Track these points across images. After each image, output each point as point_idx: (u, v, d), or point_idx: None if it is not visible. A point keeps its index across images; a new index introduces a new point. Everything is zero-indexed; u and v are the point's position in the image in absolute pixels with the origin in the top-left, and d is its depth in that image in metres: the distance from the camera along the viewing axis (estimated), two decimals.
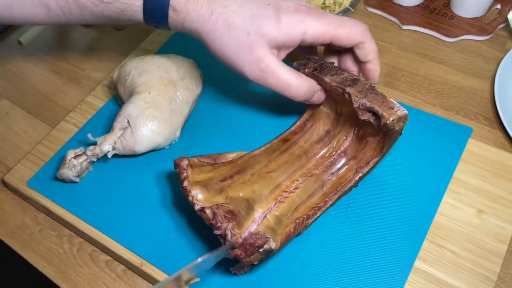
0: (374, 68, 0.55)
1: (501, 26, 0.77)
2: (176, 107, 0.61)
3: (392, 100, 0.50)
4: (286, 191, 0.54)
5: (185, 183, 0.50)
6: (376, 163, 0.55)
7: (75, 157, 0.58)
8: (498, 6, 0.79)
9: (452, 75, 0.72)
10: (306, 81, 0.54)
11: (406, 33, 0.79)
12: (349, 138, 0.57)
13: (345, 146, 0.57)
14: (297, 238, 0.53)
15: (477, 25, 0.77)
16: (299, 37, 0.51)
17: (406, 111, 0.49)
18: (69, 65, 0.80)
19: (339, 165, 0.57)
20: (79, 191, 0.60)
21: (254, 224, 0.50)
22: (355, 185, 0.55)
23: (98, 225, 0.57)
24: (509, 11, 0.76)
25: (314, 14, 0.51)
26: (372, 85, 0.51)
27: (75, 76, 0.78)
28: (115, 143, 0.58)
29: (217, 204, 0.49)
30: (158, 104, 0.59)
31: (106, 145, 0.58)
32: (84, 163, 0.59)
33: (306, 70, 0.55)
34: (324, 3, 0.72)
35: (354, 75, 0.54)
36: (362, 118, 0.51)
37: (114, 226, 0.57)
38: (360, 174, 0.54)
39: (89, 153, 0.58)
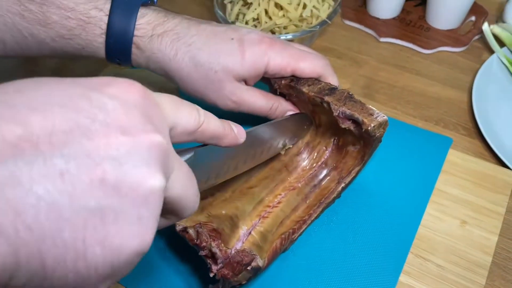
0: None
1: (476, 37, 0.78)
2: None
3: (371, 107, 0.50)
4: (269, 206, 0.53)
5: None
6: (358, 172, 0.54)
7: None
8: (473, 18, 0.80)
9: (430, 87, 0.73)
10: (277, 101, 0.56)
11: (383, 45, 0.79)
12: (329, 149, 0.57)
13: (326, 157, 0.57)
14: (282, 256, 0.52)
15: (453, 36, 0.78)
16: (263, 69, 0.52)
17: (386, 117, 0.49)
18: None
19: (320, 177, 0.56)
20: None
21: (239, 242, 0.49)
22: (338, 196, 0.55)
23: None
24: (483, 22, 0.77)
25: (277, 46, 0.52)
26: (350, 93, 0.51)
27: None
28: None
29: (200, 223, 0.47)
30: None
31: None
32: None
33: (283, 82, 0.55)
34: (301, 16, 0.72)
35: (331, 84, 0.53)
36: (343, 126, 0.50)
37: None
38: (343, 185, 0.54)
39: None
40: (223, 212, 0.51)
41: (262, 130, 0.51)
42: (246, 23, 0.74)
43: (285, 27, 0.74)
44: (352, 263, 0.52)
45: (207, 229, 0.46)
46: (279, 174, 0.57)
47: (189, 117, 0.32)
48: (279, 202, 0.54)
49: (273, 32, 0.74)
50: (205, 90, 0.53)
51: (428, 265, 0.52)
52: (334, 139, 0.56)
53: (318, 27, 0.72)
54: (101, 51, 0.51)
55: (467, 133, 0.67)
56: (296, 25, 0.73)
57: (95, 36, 0.50)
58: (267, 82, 0.57)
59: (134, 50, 0.51)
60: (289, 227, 0.51)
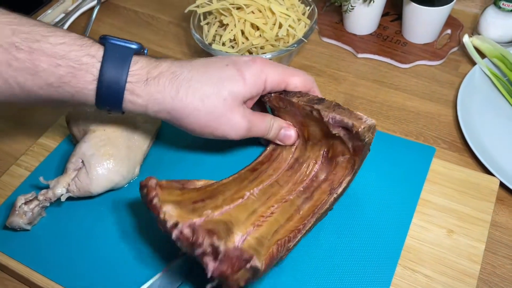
0: None
1: (453, 50, 0.79)
2: (134, 143, 0.59)
3: (359, 112, 0.51)
4: (263, 216, 0.52)
5: (155, 201, 0.46)
6: (349, 182, 0.54)
7: (25, 203, 0.55)
8: (449, 31, 0.81)
9: (409, 101, 0.73)
10: (272, 117, 0.57)
11: (361, 61, 0.80)
12: (319, 162, 0.57)
13: (316, 170, 0.57)
14: (271, 271, 0.51)
15: (430, 50, 0.79)
16: (262, 86, 0.53)
17: (374, 121, 0.50)
18: (17, 110, 0.77)
19: (312, 189, 0.56)
20: (32, 239, 0.56)
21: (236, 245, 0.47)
22: (331, 207, 0.54)
23: (53, 276, 0.53)
24: (461, 35, 0.78)
25: (269, 63, 0.54)
26: (337, 102, 0.53)
27: (24, 120, 0.75)
28: (68, 185, 0.55)
29: (194, 222, 0.45)
30: (114, 141, 0.57)
31: (59, 188, 0.54)
32: (36, 209, 0.55)
33: (273, 95, 0.56)
34: (277, 35, 0.72)
35: (318, 96, 0.55)
36: (333, 132, 0.51)
37: (72, 275, 0.53)
38: (335, 195, 0.53)
39: (41, 197, 0.55)
40: (217, 217, 0.49)
41: None
42: (223, 44, 0.74)
43: (262, 47, 0.74)
44: (341, 279, 0.51)
45: (203, 227, 0.44)
46: (271, 188, 0.56)
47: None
48: (272, 213, 0.53)
49: (250, 52, 0.74)
50: (214, 124, 0.52)
51: (417, 277, 0.51)
52: (324, 151, 0.56)
53: (295, 45, 0.72)
54: (91, 98, 0.50)
55: (447, 147, 0.67)
56: (273, 45, 0.74)
57: (86, 83, 0.48)
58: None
59: (128, 97, 0.50)
60: (284, 235, 0.50)
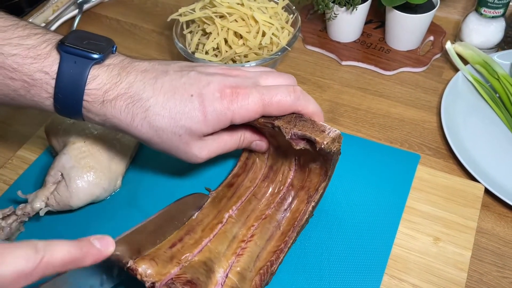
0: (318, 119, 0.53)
1: (436, 56, 0.79)
2: (115, 155, 0.58)
3: (321, 123, 0.49)
4: (243, 241, 0.52)
5: (130, 263, 0.45)
6: (325, 188, 0.53)
7: (2, 218, 0.53)
8: (431, 38, 0.81)
9: (393, 108, 0.73)
10: (241, 132, 0.54)
11: (345, 68, 0.80)
12: (293, 169, 0.56)
13: (291, 177, 0.56)
14: None
15: (413, 57, 0.79)
16: (227, 123, 0.49)
17: (338, 131, 0.48)
18: None
19: (289, 199, 0.55)
20: None
21: (218, 286, 0.47)
22: (311, 215, 0.54)
23: None
24: (443, 41, 0.78)
25: (240, 97, 0.48)
26: (299, 114, 0.50)
27: (2, 133, 0.74)
28: (47, 199, 0.54)
29: (171, 279, 0.45)
30: (95, 153, 0.56)
31: (38, 202, 0.53)
32: (14, 224, 0.54)
33: None
34: (261, 44, 0.72)
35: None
36: (297, 147, 0.49)
37: None
38: (313, 203, 0.52)
39: (19, 212, 0.53)
40: (196, 258, 0.48)
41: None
42: (206, 53, 0.74)
43: (245, 56, 0.73)
44: None
45: (180, 282, 0.44)
46: (249, 204, 0.55)
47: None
48: (252, 235, 0.52)
49: (233, 61, 0.74)
50: (171, 151, 0.50)
51: (404, 286, 0.51)
52: (295, 159, 0.56)
53: (279, 54, 0.72)
54: (50, 109, 0.48)
55: (432, 153, 0.66)
56: (256, 53, 0.73)
57: (41, 98, 0.46)
58: None
59: (85, 113, 0.47)
60: (266, 260, 0.50)
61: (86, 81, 0.46)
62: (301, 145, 0.49)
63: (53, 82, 0.46)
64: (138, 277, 0.45)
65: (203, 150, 0.50)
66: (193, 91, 0.48)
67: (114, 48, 0.49)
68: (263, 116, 0.50)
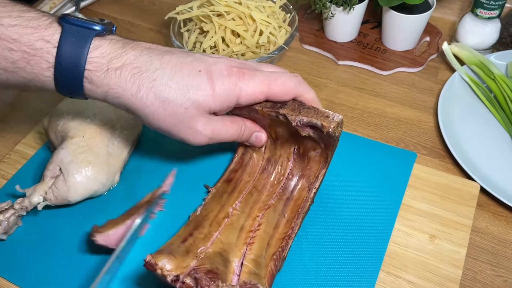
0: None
1: (432, 57, 0.80)
2: (113, 150, 0.58)
3: (324, 109, 0.50)
4: (252, 231, 0.52)
5: (148, 258, 0.44)
6: (324, 175, 0.55)
7: (0, 212, 0.53)
8: (428, 39, 0.82)
9: (389, 107, 0.73)
10: (242, 122, 0.54)
11: (342, 68, 0.80)
12: (291, 159, 0.57)
13: (290, 167, 0.57)
14: None
15: (409, 57, 0.79)
16: (234, 102, 0.50)
17: (341, 116, 0.50)
18: None
19: (290, 188, 0.56)
20: (7, 249, 0.55)
21: (235, 276, 0.47)
22: (312, 201, 0.55)
23: (30, 287, 0.52)
24: (439, 42, 0.79)
25: (247, 75, 0.49)
26: (300, 101, 0.52)
27: (0, 127, 0.73)
28: (46, 193, 0.54)
29: (193, 269, 0.45)
30: (93, 148, 0.56)
31: (36, 196, 0.53)
32: (12, 218, 0.54)
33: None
34: (258, 43, 0.72)
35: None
36: (303, 134, 0.51)
37: (49, 286, 0.52)
38: (314, 190, 0.54)
39: (17, 206, 0.53)
40: (211, 250, 0.49)
41: None
42: (204, 51, 0.74)
43: (243, 54, 0.74)
44: (324, 286, 0.51)
45: (203, 272, 0.44)
46: (251, 196, 0.56)
47: None
48: (259, 225, 0.53)
49: None
50: (174, 128, 0.49)
51: (400, 282, 0.51)
52: (294, 149, 0.56)
53: (276, 53, 0.72)
54: (49, 84, 0.47)
55: (428, 153, 0.67)
56: (253, 52, 0.73)
57: (41, 69, 0.46)
58: None
59: (87, 85, 0.46)
60: (277, 246, 0.51)
61: (89, 50, 0.46)
62: (306, 131, 0.51)
63: (54, 51, 0.45)
64: (158, 271, 0.44)
65: (207, 127, 0.50)
66: (201, 67, 0.49)
67: (114, 28, 0.49)
68: (267, 105, 0.51)
